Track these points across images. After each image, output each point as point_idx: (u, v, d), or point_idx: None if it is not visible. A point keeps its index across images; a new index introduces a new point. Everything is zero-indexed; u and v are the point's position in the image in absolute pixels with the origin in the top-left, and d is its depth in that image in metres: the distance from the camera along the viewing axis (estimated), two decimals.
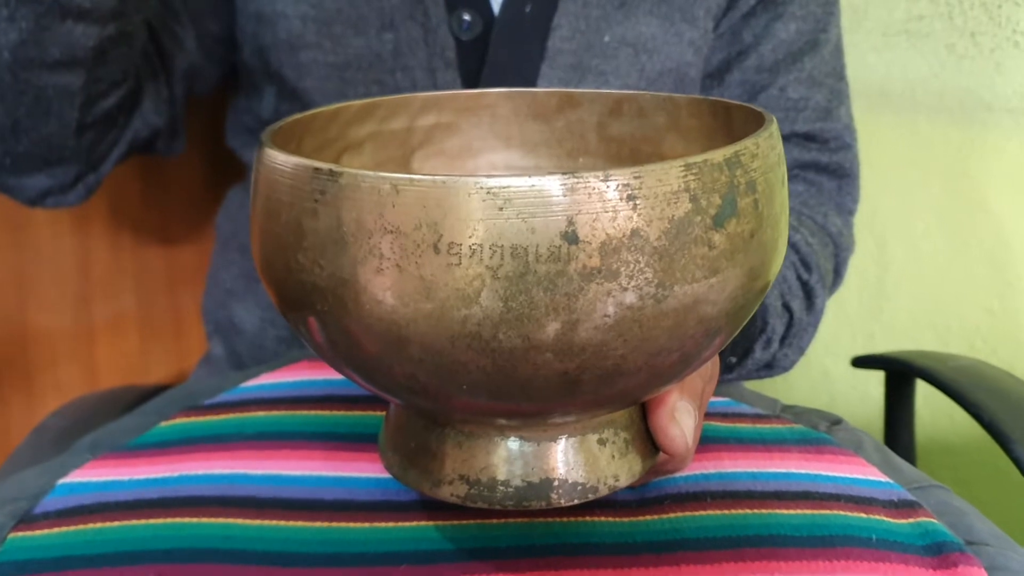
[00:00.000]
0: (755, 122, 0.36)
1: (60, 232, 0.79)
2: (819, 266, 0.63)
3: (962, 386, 0.62)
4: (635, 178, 0.28)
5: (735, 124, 0.39)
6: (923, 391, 0.72)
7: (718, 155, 0.29)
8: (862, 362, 0.74)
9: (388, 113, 0.43)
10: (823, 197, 0.68)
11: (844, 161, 0.68)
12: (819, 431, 0.48)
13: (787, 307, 0.60)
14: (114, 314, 0.82)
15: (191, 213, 0.86)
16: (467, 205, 0.27)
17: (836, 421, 0.50)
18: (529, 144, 0.45)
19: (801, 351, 0.63)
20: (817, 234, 0.65)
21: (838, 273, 0.68)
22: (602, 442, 0.35)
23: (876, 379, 0.97)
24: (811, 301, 0.63)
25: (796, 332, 0.61)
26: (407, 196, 0.27)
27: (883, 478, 0.44)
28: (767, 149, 0.31)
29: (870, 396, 1.01)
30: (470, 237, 0.27)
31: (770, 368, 0.62)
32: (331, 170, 0.29)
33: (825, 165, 0.68)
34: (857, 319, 0.99)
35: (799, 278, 0.62)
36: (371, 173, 0.28)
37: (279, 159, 0.31)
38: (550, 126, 0.44)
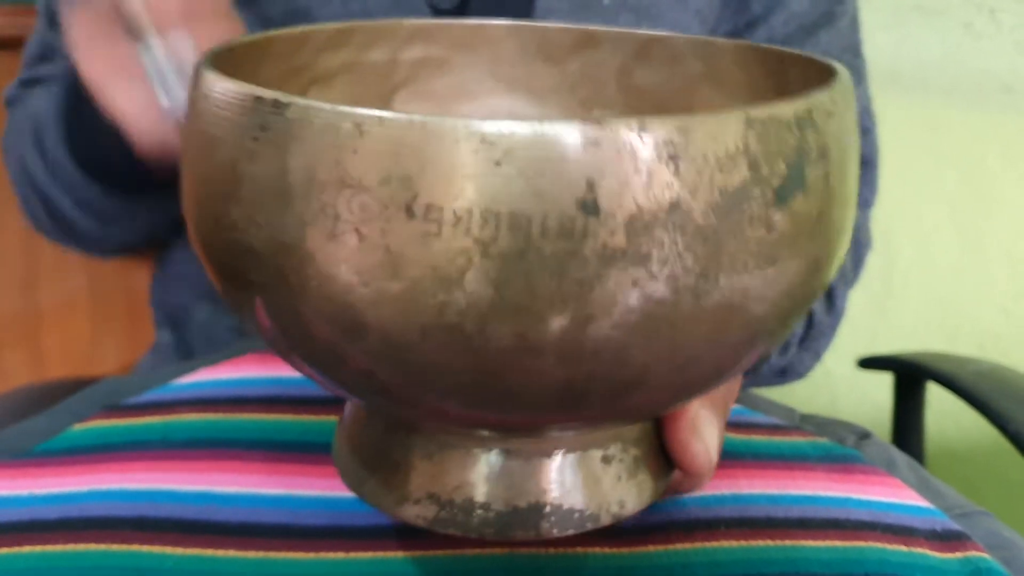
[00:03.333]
0: (816, 79, 0.29)
1: (5, 210, 0.72)
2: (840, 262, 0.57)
3: (985, 393, 0.56)
4: (680, 132, 0.21)
5: (790, 80, 0.32)
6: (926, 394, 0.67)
7: (787, 109, 0.22)
8: (870, 363, 0.68)
9: (368, 40, 0.35)
10: None
11: (863, 147, 0.62)
12: (846, 446, 0.42)
13: None
14: (63, 297, 0.76)
15: None
16: (453, 156, 0.20)
17: (864, 434, 0.43)
18: (536, 90, 0.37)
19: (818, 356, 0.57)
20: None
21: (855, 271, 0.62)
22: (607, 459, 0.29)
23: (878, 381, 0.92)
24: (831, 302, 0.56)
25: (815, 335, 0.55)
26: (374, 140, 0.20)
27: (923, 503, 0.38)
28: (843, 108, 0.25)
29: (870, 398, 0.95)
30: (455, 199, 0.20)
31: (784, 375, 0.56)
32: (276, 100, 0.22)
33: None
34: (859, 316, 0.93)
35: None
36: (328, 106, 0.21)
37: (215, 84, 0.24)
38: (562, 69, 0.37)
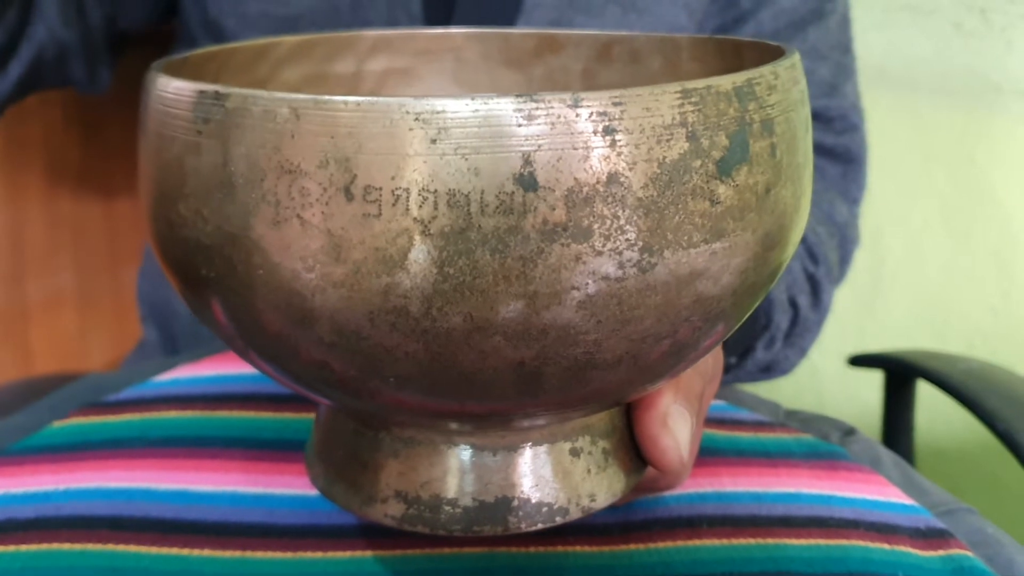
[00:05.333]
0: (771, 61, 0.29)
1: None
2: (826, 258, 0.57)
3: (974, 391, 0.55)
4: (615, 105, 0.21)
5: (747, 67, 0.32)
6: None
7: (725, 82, 0.22)
8: (860, 361, 0.67)
9: (330, 52, 0.36)
10: (826, 183, 0.62)
11: (851, 144, 0.62)
12: (831, 443, 0.41)
13: (792, 302, 0.54)
14: (50, 293, 0.75)
15: (136, 184, 0.79)
16: (388, 136, 0.20)
17: (849, 431, 0.43)
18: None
19: (803, 353, 0.56)
20: (823, 223, 0.58)
21: (842, 268, 0.61)
22: (575, 452, 0.29)
23: (867, 379, 0.91)
24: (817, 297, 0.56)
25: (800, 331, 0.55)
26: (310, 123, 0.21)
27: (907, 501, 0.37)
28: (788, 83, 0.25)
29: (857, 396, 0.94)
30: (393, 179, 0.20)
31: (769, 371, 0.55)
32: (216, 92, 0.22)
33: (829, 148, 0.61)
34: (848, 314, 0.93)
35: (805, 270, 0.55)
36: (265, 94, 0.21)
37: (163, 85, 0.24)
38: (526, 74, 0.38)
